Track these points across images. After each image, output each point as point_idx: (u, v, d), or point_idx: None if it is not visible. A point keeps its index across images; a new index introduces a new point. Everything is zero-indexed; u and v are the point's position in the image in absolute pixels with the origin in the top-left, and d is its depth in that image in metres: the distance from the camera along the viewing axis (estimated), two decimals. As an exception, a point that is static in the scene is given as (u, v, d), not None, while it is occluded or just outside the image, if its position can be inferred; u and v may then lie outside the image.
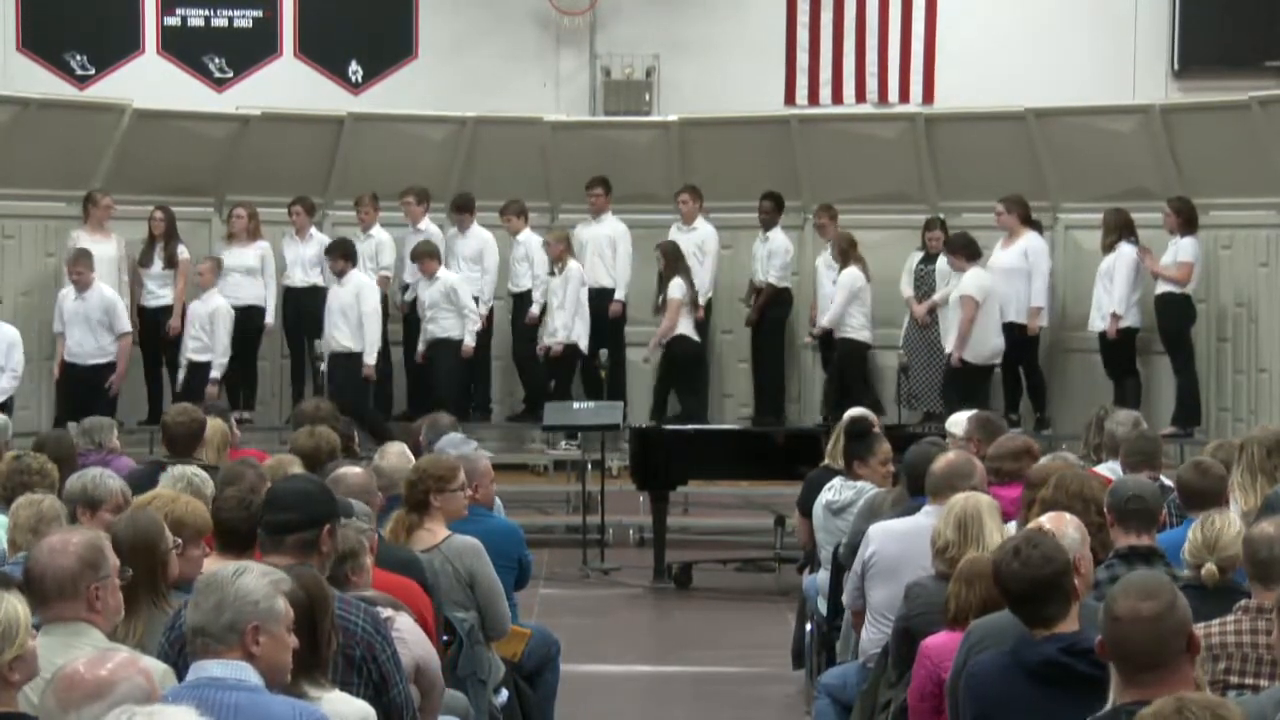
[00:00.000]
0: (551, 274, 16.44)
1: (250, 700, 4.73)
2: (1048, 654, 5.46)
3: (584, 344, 16.36)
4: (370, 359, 15.82)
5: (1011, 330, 15.93)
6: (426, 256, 16.24)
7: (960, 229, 16.22)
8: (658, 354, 16.75)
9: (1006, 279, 15.82)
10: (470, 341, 16.27)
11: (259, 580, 4.87)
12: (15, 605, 4.78)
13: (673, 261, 16.43)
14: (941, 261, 16.11)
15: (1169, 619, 4.62)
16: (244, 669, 4.77)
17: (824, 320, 16.38)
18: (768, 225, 16.80)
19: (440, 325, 16.25)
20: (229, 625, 4.79)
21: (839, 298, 16.25)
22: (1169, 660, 4.60)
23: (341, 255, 15.89)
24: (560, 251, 16.34)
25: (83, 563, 5.31)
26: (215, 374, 15.82)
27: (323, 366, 15.76)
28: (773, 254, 16.74)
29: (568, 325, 16.34)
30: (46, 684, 4.37)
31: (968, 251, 15.69)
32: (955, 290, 15.64)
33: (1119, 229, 15.49)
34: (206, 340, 15.86)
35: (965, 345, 15.56)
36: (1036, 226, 16.00)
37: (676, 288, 16.38)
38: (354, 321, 15.75)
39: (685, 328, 16.51)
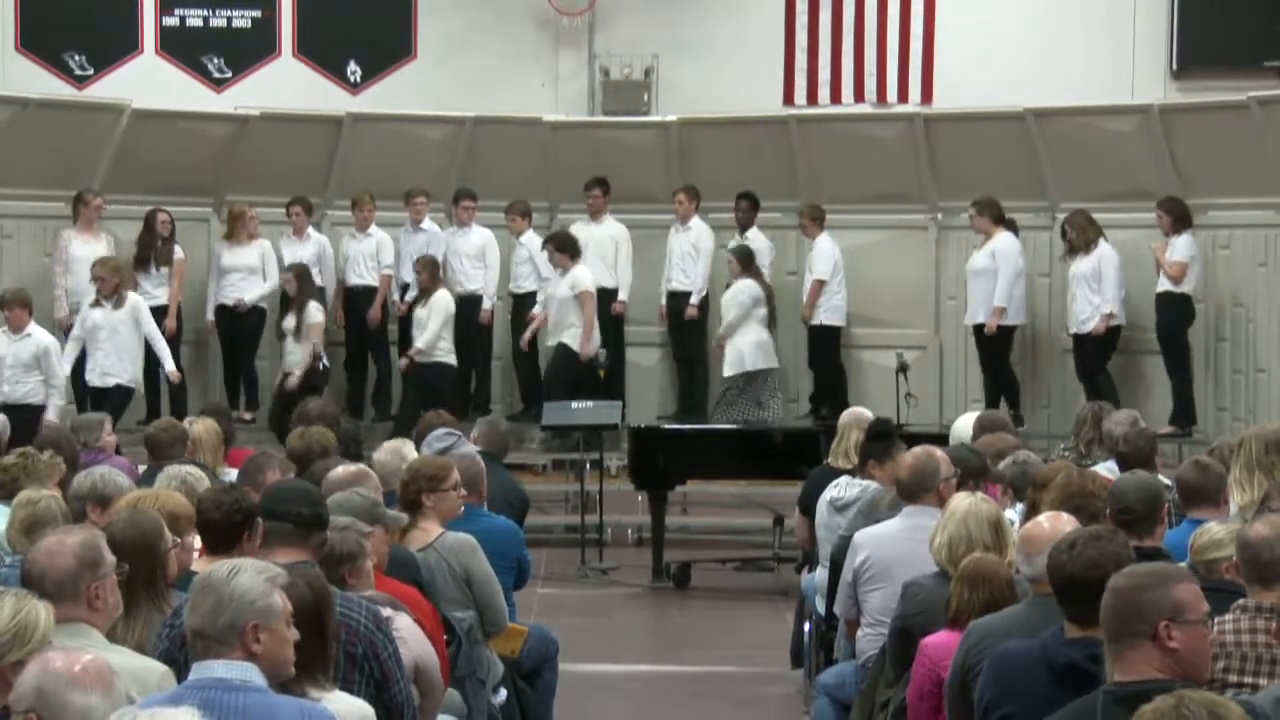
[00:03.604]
0: (97, 304, 14.79)
1: (257, 702, 4.73)
2: (1073, 657, 5.42)
3: (140, 386, 15.05)
4: (54, 416, 13.78)
5: (982, 331, 16.01)
6: (17, 305, 14.27)
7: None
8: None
9: (976, 280, 15.99)
10: (53, 417, 13.72)
11: (255, 578, 4.86)
12: (39, 610, 4.80)
13: (306, 286, 15.95)
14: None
15: (1125, 597, 4.87)
16: (249, 669, 4.77)
17: (420, 343, 15.95)
18: (745, 225, 16.84)
19: (17, 389, 14.15)
20: (228, 626, 4.78)
21: (433, 323, 15.93)
22: (1124, 636, 4.85)
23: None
24: (115, 286, 14.78)
25: (81, 563, 5.31)
26: None
27: (322, 365, 15.81)
28: (755, 254, 16.76)
29: (128, 368, 14.89)
30: (30, 674, 4.35)
31: (571, 251, 15.96)
32: (568, 288, 15.96)
33: (1091, 230, 15.56)
34: None
35: (589, 339, 15.95)
36: (1011, 227, 16.05)
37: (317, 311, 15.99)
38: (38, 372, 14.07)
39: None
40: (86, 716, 4.23)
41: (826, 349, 16.77)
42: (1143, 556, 6.70)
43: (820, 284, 16.53)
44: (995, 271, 15.88)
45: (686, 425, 15.60)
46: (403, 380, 16.45)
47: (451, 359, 16.17)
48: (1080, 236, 15.61)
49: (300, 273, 16.07)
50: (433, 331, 15.99)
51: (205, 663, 4.79)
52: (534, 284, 16.73)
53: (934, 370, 16.91)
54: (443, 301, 16.08)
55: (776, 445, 14.33)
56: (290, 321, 16.01)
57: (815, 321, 16.67)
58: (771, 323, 16.53)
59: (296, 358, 15.90)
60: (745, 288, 16.33)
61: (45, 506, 6.99)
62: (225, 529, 6.45)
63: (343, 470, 7.83)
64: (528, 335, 16.65)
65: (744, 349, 16.33)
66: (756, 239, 16.82)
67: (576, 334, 16.11)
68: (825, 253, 16.59)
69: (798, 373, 17.24)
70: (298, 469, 8.55)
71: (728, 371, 16.39)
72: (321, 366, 15.85)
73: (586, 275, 16.11)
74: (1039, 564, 5.99)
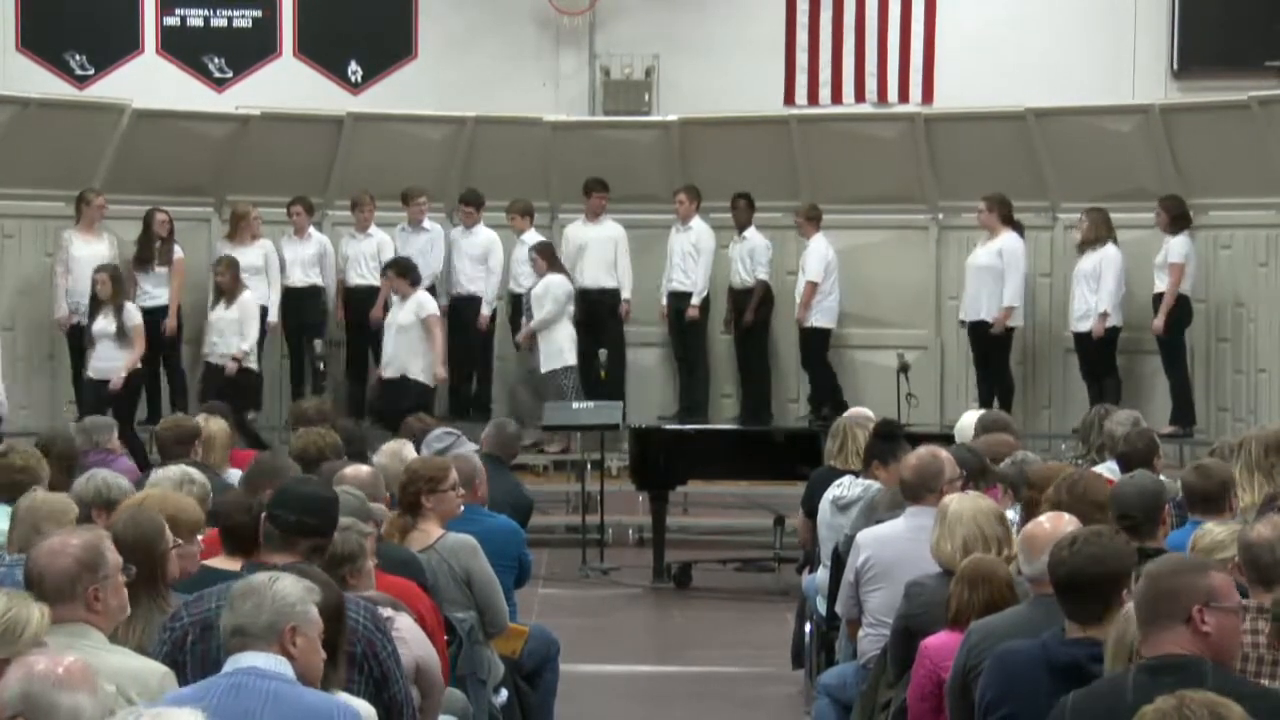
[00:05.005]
0: None
1: (288, 690, 4.86)
2: (1076, 657, 5.41)
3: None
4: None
5: (981, 329, 16.00)
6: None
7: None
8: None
9: (978, 277, 15.95)
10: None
11: (295, 585, 5.02)
12: (31, 609, 4.80)
13: (120, 288, 15.05)
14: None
15: (1161, 582, 4.99)
16: (283, 663, 4.91)
17: (244, 345, 15.56)
18: (742, 225, 16.85)
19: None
20: (268, 625, 4.92)
21: (251, 329, 15.56)
22: (1158, 618, 4.95)
23: None
24: None
25: (80, 564, 5.30)
26: None
27: (322, 366, 15.80)
28: (754, 252, 16.77)
29: None
30: (13, 678, 4.35)
31: (411, 276, 15.77)
32: (413, 314, 15.70)
33: (1103, 229, 15.56)
34: None
35: (441, 364, 15.82)
36: (1018, 227, 16.05)
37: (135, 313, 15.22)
38: None
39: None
40: (76, 716, 4.24)
41: (817, 351, 16.75)
42: (1145, 557, 6.71)
43: (813, 285, 16.52)
44: (1000, 270, 15.85)
45: (687, 425, 15.60)
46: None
47: (256, 365, 15.76)
48: (1091, 231, 15.59)
49: (114, 273, 15.02)
50: (253, 338, 15.61)
51: (240, 654, 4.92)
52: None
53: (934, 370, 16.91)
54: (252, 304, 15.71)
55: (777, 446, 14.34)
56: (108, 324, 14.85)
57: (807, 324, 16.64)
58: (767, 323, 16.61)
59: (117, 364, 14.82)
60: (558, 283, 16.31)
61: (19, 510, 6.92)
62: (251, 531, 6.50)
63: (351, 472, 7.84)
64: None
65: (563, 343, 16.32)
66: (754, 238, 16.82)
67: (423, 365, 15.73)
68: (818, 254, 16.57)
69: (795, 373, 17.24)
70: (302, 469, 8.55)
71: (547, 366, 16.27)
72: (321, 366, 15.83)
73: (430, 300, 15.91)
74: (1040, 564, 5.99)
